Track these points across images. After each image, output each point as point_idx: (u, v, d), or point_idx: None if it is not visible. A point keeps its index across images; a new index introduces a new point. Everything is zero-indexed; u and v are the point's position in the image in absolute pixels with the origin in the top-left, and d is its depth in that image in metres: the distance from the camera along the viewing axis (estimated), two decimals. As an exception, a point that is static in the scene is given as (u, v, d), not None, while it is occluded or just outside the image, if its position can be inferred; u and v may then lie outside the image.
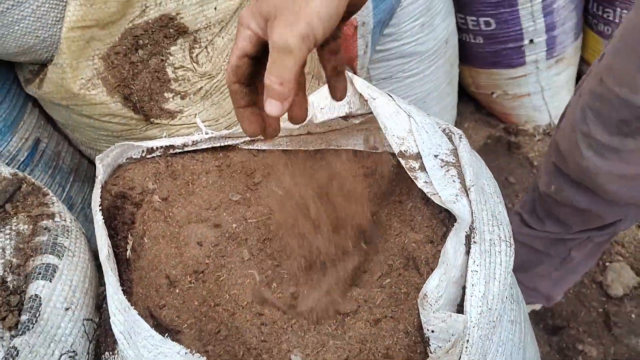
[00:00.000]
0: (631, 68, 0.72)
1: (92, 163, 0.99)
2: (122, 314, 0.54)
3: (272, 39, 0.41)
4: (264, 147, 0.81)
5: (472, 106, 1.90)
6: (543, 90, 1.67)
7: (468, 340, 0.51)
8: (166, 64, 0.80)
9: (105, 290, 0.68)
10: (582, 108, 0.82)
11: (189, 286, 0.67)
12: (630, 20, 0.74)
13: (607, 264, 1.44)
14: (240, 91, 0.47)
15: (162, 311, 0.65)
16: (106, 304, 0.65)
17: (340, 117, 0.74)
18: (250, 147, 0.81)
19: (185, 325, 0.63)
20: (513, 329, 0.66)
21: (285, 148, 0.80)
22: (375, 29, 1.11)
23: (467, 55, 1.64)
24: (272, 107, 0.42)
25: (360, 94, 0.71)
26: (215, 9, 0.82)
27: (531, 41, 1.53)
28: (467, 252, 0.56)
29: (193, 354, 0.51)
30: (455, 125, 1.85)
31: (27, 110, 0.85)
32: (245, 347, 0.60)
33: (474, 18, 1.49)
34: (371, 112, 0.71)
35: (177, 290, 0.67)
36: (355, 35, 1.06)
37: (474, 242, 0.56)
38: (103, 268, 0.58)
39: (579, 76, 1.84)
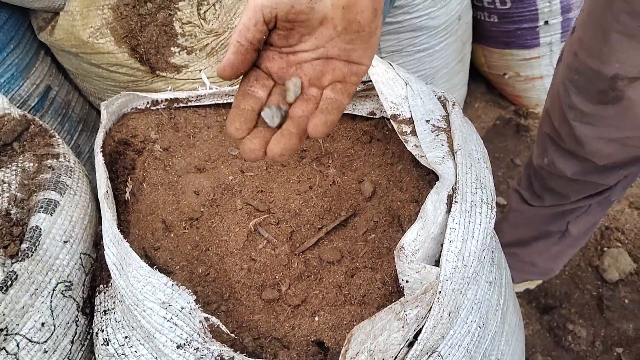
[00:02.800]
0: (598, 41, 0.74)
1: (100, 114, 1.02)
2: (115, 246, 0.57)
3: None
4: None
5: (484, 87, 1.90)
6: (556, 73, 1.66)
7: (440, 292, 0.53)
8: (174, 18, 0.82)
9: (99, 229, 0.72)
10: (563, 82, 0.84)
11: (183, 231, 0.70)
12: None
13: (605, 249, 1.45)
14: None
15: (157, 253, 0.68)
16: (99, 240, 0.69)
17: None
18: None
19: (178, 267, 0.66)
20: (491, 290, 0.68)
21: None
22: (386, -2, 1.11)
23: (481, 34, 1.63)
24: None
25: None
26: (224, -34, 0.83)
27: (546, 22, 1.52)
28: (448, 211, 0.58)
29: (179, 287, 0.54)
30: (465, 105, 1.87)
31: (40, 57, 0.88)
32: (231, 290, 0.63)
33: (490, -5, 1.49)
34: (371, 80, 0.73)
35: (172, 235, 0.70)
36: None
37: (455, 202, 0.58)
38: (100, 204, 0.61)
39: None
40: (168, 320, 0.53)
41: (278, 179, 0.74)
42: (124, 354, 0.56)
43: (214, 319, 0.53)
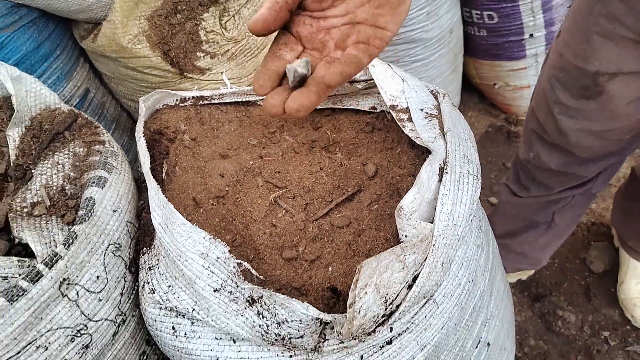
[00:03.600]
0: (581, 42, 0.86)
1: (130, 116, 1.14)
2: (161, 209, 0.68)
3: None
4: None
5: (476, 97, 2.03)
6: (542, 83, 1.79)
7: (434, 245, 0.64)
8: (199, 28, 0.95)
9: (143, 203, 0.83)
10: (549, 80, 0.96)
11: (211, 207, 0.81)
12: (578, 2, 0.88)
13: (592, 243, 1.55)
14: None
15: (189, 225, 0.78)
16: (144, 213, 0.80)
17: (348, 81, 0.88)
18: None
19: (207, 236, 0.77)
20: (479, 252, 0.79)
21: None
22: None
23: (472, 47, 1.76)
24: None
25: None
26: (243, -17, 0.96)
27: (531, 35, 1.65)
28: (440, 180, 0.70)
29: (215, 239, 0.65)
30: (458, 114, 1.99)
31: (80, 63, 1.00)
32: (255, 251, 0.74)
33: (478, 11, 1.62)
34: (372, 78, 0.85)
35: (202, 210, 0.81)
36: None
37: (446, 173, 0.69)
38: (145, 176, 0.72)
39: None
40: (206, 268, 0.64)
41: (292, 163, 0.85)
42: (168, 300, 0.67)
43: (245, 264, 0.63)
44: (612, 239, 1.54)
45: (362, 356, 0.67)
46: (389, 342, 0.68)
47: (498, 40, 1.69)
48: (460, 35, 1.65)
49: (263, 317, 0.59)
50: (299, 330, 0.58)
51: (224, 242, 0.67)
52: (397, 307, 0.60)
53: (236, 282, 0.61)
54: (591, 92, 0.88)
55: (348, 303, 0.58)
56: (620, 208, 1.39)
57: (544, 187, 1.16)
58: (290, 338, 0.58)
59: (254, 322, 0.60)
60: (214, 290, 0.63)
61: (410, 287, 0.64)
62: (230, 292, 0.63)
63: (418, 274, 0.62)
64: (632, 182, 1.27)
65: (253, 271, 0.64)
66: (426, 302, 0.70)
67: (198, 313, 0.64)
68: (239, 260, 0.63)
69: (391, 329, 0.67)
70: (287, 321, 0.57)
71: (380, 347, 0.67)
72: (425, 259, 0.64)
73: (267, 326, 0.59)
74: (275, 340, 0.59)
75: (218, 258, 0.64)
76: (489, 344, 0.87)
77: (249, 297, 0.62)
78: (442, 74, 1.61)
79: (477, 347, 0.83)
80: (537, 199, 1.20)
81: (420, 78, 1.60)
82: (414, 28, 1.43)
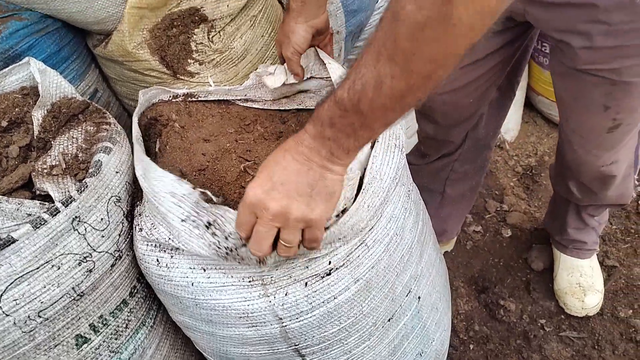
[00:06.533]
0: None
1: (129, 116, 1.35)
2: (140, 162, 0.87)
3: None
4: (254, 106, 1.16)
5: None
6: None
7: (364, 189, 0.84)
8: (191, 40, 1.17)
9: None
10: None
11: (194, 177, 1.00)
12: None
13: (533, 245, 1.75)
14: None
15: (175, 189, 0.98)
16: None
17: (307, 78, 1.09)
18: (244, 104, 1.16)
19: (190, 198, 0.96)
20: (406, 214, 0.98)
21: (269, 108, 1.15)
22: (347, 37, 1.48)
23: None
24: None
25: (322, 61, 1.06)
26: (227, 6, 1.19)
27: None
28: (372, 147, 0.90)
29: (181, 180, 0.84)
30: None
31: (91, 67, 1.22)
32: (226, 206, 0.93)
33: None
34: (329, 76, 1.06)
35: (186, 179, 1.00)
36: (331, 41, 1.43)
37: (377, 142, 0.90)
38: (133, 141, 0.92)
39: (527, 100, 2.21)
40: (175, 204, 0.82)
41: (261, 145, 1.06)
42: (152, 234, 0.86)
43: (208, 193, 0.82)
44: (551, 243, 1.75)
45: (306, 283, 0.86)
46: (329, 274, 0.87)
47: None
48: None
49: (216, 235, 0.77)
50: (240, 239, 0.76)
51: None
52: (326, 228, 0.78)
53: (197, 211, 0.79)
54: None
55: None
56: (549, 209, 1.61)
57: (426, 155, 1.41)
58: (235, 249, 0.77)
59: (210, 241, 0.78)
60: (182, 220, 0.82)
61: (338, 216, 0.82)
62: (194, 221, 0.81)
63: (347, 209, 0.82)
64: (555, 186, 1.49)
65: (213, 197, 0.82)
66: (360, 245, 0.89)
67: (172, 240, 0.83)
68: (202, 190, 0.82)
69: (330, 262, 0.86)
70: (231, 233, 0.76)
71: (321, 277, 0.86)
72: (355, 198, 0.84)
73: (219, 242, 0.77)
74: (227, 254, 0.77)
75: (183, 195, 0.82)
76: (419, 298, 1.06)
77: (207, 222, 0.80)
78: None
79: (407, 295, 1.02)
80: (423, 166, 1.45)
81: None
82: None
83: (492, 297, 1.61)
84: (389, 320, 0.98)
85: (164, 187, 0.84)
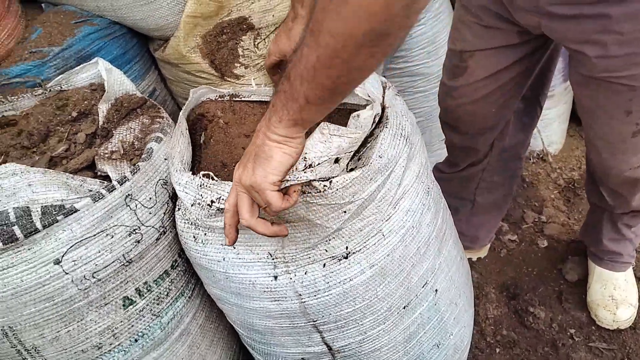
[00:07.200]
0: (453, 29, 1.22)
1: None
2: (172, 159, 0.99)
3: None
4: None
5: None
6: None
7: (366, 161, 0.92)
8: (238, 46, 1.29)
9: (185, 160, 1.14)
10: (442, 68, 1.28)
11: (234, 168, 1.12)
12: None
13: (569, 257, 1.75)
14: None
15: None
16: (185, 165, 1.12)
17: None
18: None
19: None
20: (424, 209, 1.04)
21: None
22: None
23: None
24: None
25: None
26: (273, 16, 1.31)
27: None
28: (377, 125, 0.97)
29: (185, 170, 0.94)
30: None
31: (151, 69, 1.37)
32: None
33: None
34: None
35: (226, 170, 1.12)
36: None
37: (385, 128, 0.96)
38: (177, 130, 1.04)
39: (573, 113, 2.20)
40: (181, 191, 0.93)
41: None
42: (189, 212, 0.97)
43: (210, 173, 0.92)
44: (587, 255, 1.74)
45: (324, 264, 0.95)
46: (345, 257, 0.95)
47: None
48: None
49: (219, 210, 0.88)
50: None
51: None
52: (330, 180, 0.87)
53: (201, 194, 0.90)
54: (459, 69, 1.18)
55: None
56: (585, 221, 1.61)
57: (454, 163, 1.45)
58: None
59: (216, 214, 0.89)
60: (191, 205, 0.93)
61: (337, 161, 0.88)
62: (200, 204, 0.92)
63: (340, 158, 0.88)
64: (588, 194, 1.50)
65: (214, 177, 0.92)
66: (376, 234, 0.97)
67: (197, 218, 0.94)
68: (205, 172, 0.92)
69: (347, 247, 0.95)
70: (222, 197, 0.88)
71: (338, 259, 0.95)
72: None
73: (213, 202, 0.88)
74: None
75: (186, 182, 0.94)
76: (436, 291, 1.12)
77: (209, 201, 0.91)
78: (444, 105, 1.90)
79: (423, 286, 1.08)
80: (453, 175, 1.49)
81: (423, 107, 1.89)
82: (416, 63, 1.74)
83: (522, 304, 1.63)
84: (404, 307, 1.05)
85: (173, 179, 0.96)
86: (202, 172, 0.92)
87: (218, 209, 0.89)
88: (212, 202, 0.89)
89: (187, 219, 0.99)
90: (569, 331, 1.57)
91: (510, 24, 1.11)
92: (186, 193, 0.93)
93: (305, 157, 0.81)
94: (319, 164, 0.82)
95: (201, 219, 0.93)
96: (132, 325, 0.98)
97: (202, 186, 0.91)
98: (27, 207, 0.89)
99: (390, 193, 0.95)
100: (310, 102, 0.64)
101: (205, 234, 0.97)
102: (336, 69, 0.59)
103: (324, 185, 0.85)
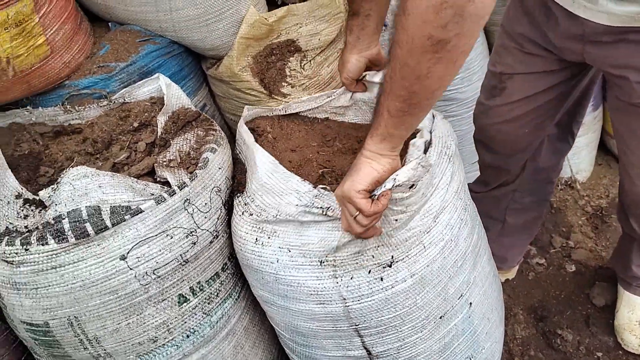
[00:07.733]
0: (493, 52, 1.28)
1: (229, 128, 1.58)
2: (269, 163, 1.04)
3: None
4: (334, 118, 1.34)
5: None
6: (566, 148, 2.09)
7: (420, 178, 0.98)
8: (286, 66, 1.38)
9: (236, 169, 1.22)
10: (480, 88, 1.35)
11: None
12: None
13: (597, 282, 1.78)
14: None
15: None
16: (238, 175, 1.19)
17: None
18: (324, 115, 1.34)
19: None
20: (461, 224, 1.10)
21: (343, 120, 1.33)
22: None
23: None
24: None
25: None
26: (319, 39, 1.40)
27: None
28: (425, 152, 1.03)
29: (304, 181, 1.00)
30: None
31: (203, 85, 1.46)
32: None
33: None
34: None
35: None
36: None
37: (431, 147, 1.03)
38: (252, 147, 1.10)
39: (601, 142, 2.24)
40: (296, 197, 1.00)
41: (339, 158, 1.23)
42: (260, 216, 1.03)
43: (327, 186, 0.98)
44: (616, 281, 1.76)
45: (370, 270, 1.01)
46: (390, 265, 1.01)
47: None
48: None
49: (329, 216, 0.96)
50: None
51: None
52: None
53: (313, 202, 0.95)
54: (497, 90, 1.24)
55: None
56: (616, 247, 1.64)
57: (486, 182, 1.50)
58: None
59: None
60: (295, 205, 0.98)
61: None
62: (308, 210, 0.97)
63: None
64: (620, 221, 1.54)
65: (329, 189, 0.98)
66: (418, 245, 1.02)
67: (276, 224, 1.00)
68: (323, 185, 0.98)
69: (392, 256, 1.01)
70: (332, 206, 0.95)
71: (383, 267, 1.01)
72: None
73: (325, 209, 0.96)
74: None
75: (305, 192, 0.99)
76: (470, 304, 1.17)
77: (321, 207, 0.96)
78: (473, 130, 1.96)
79: (459, 298, 1.13)
80: (485, 194, 1.53)
81: (455, 131, 1.95)
82: (450, 89, 1.81)
83: (550, 326, 1.65)
84: (440, 317, 1.10)
85: (290, 186, 1.01)
86: (320, 186, 0.99)
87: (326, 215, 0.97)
88: (324, 209, 0.97)
89: (257, 221, 1.03)
90: (596, 354, 1.59)
91: (549, 52, 1.17)
92: (299, 199, 0.98)
93: (395, 178, 0.87)
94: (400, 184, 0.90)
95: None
96: (185, 322, 1.04)
97: (317, 197, 0.97)
98: (98, 206, 0.97)
99: (433, 207, 1.01)
100: (391, 114, 0.73)
101: (269, 237, 1.02)
102: (408, 79, 0.67)
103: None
